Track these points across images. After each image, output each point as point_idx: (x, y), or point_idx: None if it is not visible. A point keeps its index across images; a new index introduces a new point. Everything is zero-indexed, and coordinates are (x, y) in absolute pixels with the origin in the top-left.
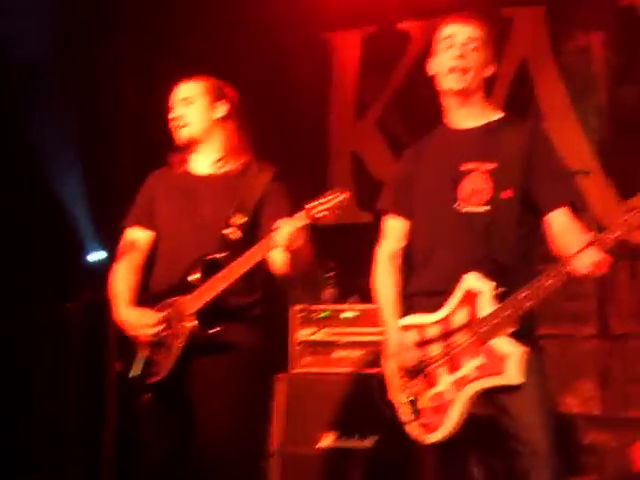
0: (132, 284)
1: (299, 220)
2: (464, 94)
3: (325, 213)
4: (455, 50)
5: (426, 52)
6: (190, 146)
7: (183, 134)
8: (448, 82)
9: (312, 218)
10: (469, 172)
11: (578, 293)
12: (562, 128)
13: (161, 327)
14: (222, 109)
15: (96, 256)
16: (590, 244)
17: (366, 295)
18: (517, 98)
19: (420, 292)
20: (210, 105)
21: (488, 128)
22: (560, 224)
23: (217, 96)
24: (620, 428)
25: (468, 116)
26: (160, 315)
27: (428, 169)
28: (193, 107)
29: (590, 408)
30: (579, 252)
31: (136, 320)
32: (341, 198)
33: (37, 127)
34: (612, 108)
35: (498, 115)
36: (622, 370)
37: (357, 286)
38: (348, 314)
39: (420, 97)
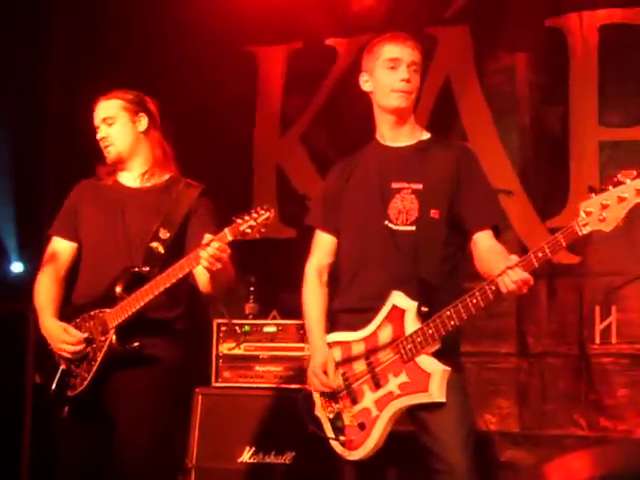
0: (55, 296)
1: (224, 237)
2: (403, 113)
3: (249, 231)
4: (402, 73)
5: (352, 68)
6: (119, 163)
7: (111, 153)
8: (391, 100)
9: (238, 234)
10: (398, 190)
11: (498, 311)
12: (485, 147)
13: (80, 347)
14: (144, 122)
15: (18, 267)
16: (516, 265)
17: (285, 311)
18: (440, 116)
19: (346, 309)
20: (131, 120)
21: (418, 147)
22: (485, 245)
23: (137, 110)
24: (537, 445)
25: (401, 134)
26: (81, 336)
27: (359, 184)
28: (115, 126)
29: (508, 425)
30: (504, 272)
31: (57, 336)
32: (267, 216)
33: None
34: (534, 129)
35: (427, 135)
36: (540, 388)
37: (277, 301)
38: (270, 329)
39: (344, 113)
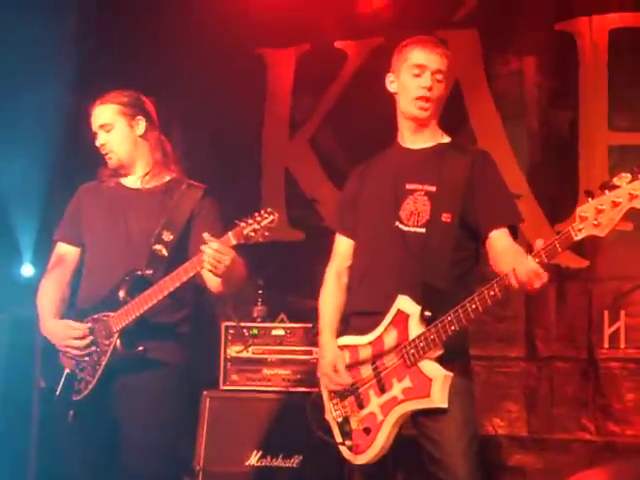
0: (57, 299)
1: (228, 241)
2: (423, 121)
3: (253, 234)
4: (425, 81)
5: (361, 71)
6: (122, 169)
7: (112, 160)
8: (412, 109)
9: (241, 238)
10: (412, 192)
11: (507, 315)
12: (494, 151)
13: (87, 340)
14: (141, 125)
15: (29, 270)
16: (534, 255)
17: (293, 313)
18: (450, 120)
19: (357, 312)
20: (129, 125)
21: (436, 150)
22: (501, 244)
23: (134, 113)
24: (545, 450)
25: (421, 137)
26: (85, 326)
27: (374, 185)
28: (114, 133)
29: (516, 429)
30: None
31: (62, 331)
32: (270, 219)
33: None
34: (543, 132)
35: (446, 139)
36: (548, 392)
37: (285, 304)
38: (278, 332)
39: (354, 116)
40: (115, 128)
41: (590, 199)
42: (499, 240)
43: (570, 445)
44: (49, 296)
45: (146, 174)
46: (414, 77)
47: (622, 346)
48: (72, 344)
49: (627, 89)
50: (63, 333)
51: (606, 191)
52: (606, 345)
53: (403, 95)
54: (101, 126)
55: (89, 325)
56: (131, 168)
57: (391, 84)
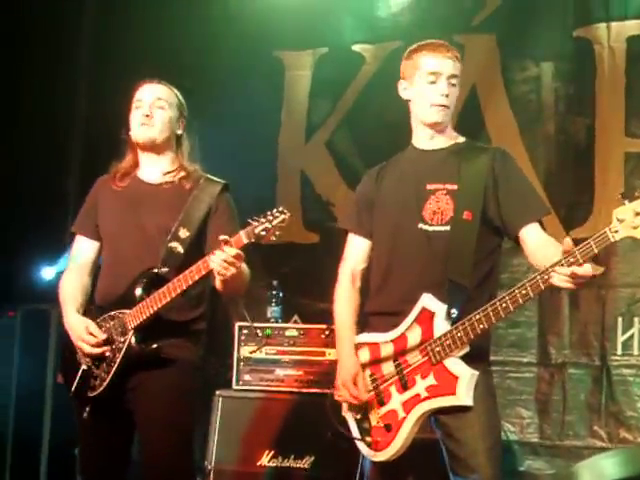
0: (78, 292)
1: (240, 240)
2: (441, 126)
3: (264, 233)
4: (441, 88)
5: (378, 75)
6: (146, 149)
7: (149, 134)
8: (431, 116)
9: (253, 237)
10: (433, 192)
11: (520, 321)
12: None
13: (98, 350)
14: (181, 128)
15: (50, 273)
16: (552, 266)
17: (306, 315)
18: (466, 125)
19: (377, 312)
20: (176, 119)
21: (452, 150)
22: (536, 238)
23: (181, 113)
24: (556, 456)
25: (436, 139)
26: (102, 337)
27: (393, 187)
28: (166, 113)
29: (528, 435)
30: (554, 265)
31: (80, 331)
32: (282, 218)
33: None
34: (560, 138)
35: (462, 139)
36: (560, 399)
37: (298, 306)
38: (292, 333)
39: (370, 119)
40: (168, 111)
41: (627, 201)
42: (533, 234)
43: (582, 452)
44: (71, 289)
45: (167, 173)
46: (430, 84)
47: (635, 353)
48: (84, 348)
49: None
50: (79, 334)
51: None
52: (619, 352)
53: (419, 102)
54: (158, 99)
55: (105, 337)
56: (154, 155)
57: (404, 91)
